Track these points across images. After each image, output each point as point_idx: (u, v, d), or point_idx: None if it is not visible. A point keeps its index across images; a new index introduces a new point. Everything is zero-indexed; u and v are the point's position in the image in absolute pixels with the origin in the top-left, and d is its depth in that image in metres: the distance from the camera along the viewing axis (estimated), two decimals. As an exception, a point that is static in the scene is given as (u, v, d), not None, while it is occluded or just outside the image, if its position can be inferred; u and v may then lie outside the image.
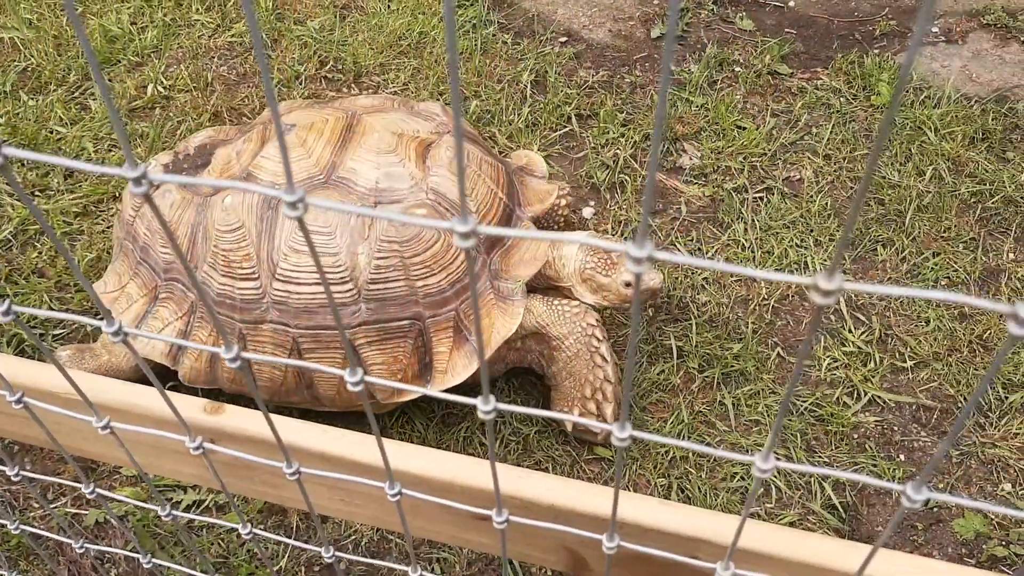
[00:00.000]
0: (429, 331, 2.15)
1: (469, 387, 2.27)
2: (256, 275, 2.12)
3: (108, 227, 2.80)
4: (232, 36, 3.50)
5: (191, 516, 1.15)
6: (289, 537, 2.19)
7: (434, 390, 2.24)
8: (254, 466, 1.31)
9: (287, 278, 2.10)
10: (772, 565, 1.05)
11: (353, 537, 2.22)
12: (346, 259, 2.07)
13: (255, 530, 1.15)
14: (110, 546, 2.08)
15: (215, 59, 3.42)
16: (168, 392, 1.06)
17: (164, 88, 3.28)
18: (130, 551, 1.64)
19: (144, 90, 3.26)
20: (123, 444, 1.08)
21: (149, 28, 3.49)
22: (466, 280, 2.14)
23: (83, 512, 2.24)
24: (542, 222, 2.55)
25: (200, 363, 2.23)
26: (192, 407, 1.22)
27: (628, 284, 2.26)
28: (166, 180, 0.60)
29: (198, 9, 3.60)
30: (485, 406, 0.71)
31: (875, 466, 2.34)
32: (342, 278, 2.08)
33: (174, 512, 1.16)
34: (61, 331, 2.55)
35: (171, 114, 3.18)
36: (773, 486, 2.30)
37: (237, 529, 2.18)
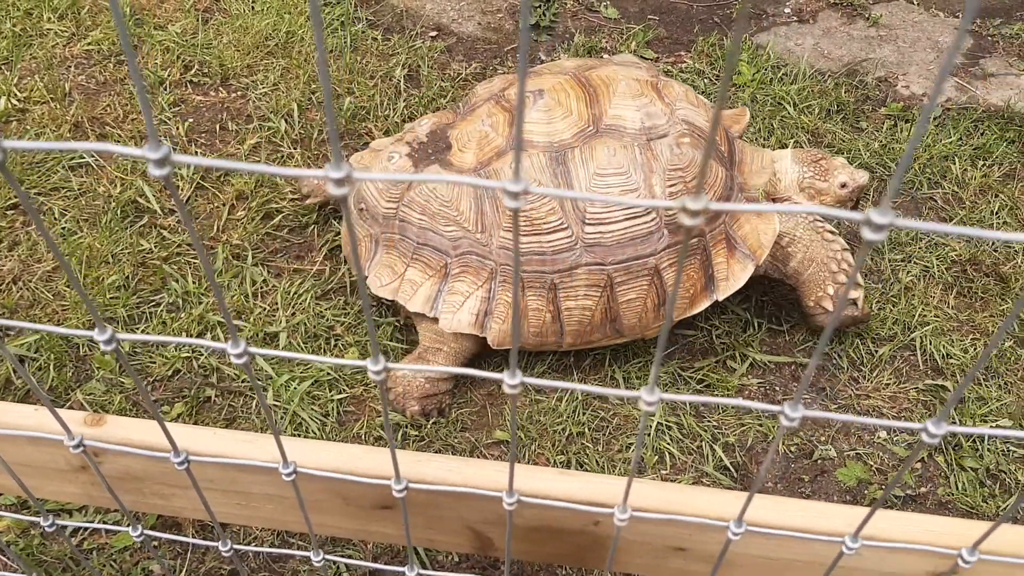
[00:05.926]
0: (709, 245, 2.37)
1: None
2: (565, 225, 2.27)
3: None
4: (88, 44, 3.35)
5: (76, 523, 1.10)
6: (185, 551, 2.12)
7: (720, 297, 2.37)
8: (143, 477, 1.27)
9: (598, 220, 2.27)
10: (671, 521, 1.08)
11: (253, 544, 2.17)
12: (645, 192, 2.26)
13: (146, 532, 1.11)
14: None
15: (72, 68, 3.28)
16: (42, 407, 1.01)
17: (19, 101, 3.12)
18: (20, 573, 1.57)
19: (-4, 104, 3.10)
20: (1, 459, 1.03)
21: (-4, 39, 3.32)
22: (726, 194, 2.41)
23: (-41, 548, 2.12)
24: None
25: (507, 324, 2.31)
26: (70, 420, 1.17)
27: (843, 185, 2.53)
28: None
29: (50, 18, 3.44)
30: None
31: (761, 425, 2.44)
32: (646, 209, 2.24)
33: (57, 522, 1.11)
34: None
35: (28, 127, 3.03)
36: (667, 453, 2.37)
37: (130, 549, 2.11)
